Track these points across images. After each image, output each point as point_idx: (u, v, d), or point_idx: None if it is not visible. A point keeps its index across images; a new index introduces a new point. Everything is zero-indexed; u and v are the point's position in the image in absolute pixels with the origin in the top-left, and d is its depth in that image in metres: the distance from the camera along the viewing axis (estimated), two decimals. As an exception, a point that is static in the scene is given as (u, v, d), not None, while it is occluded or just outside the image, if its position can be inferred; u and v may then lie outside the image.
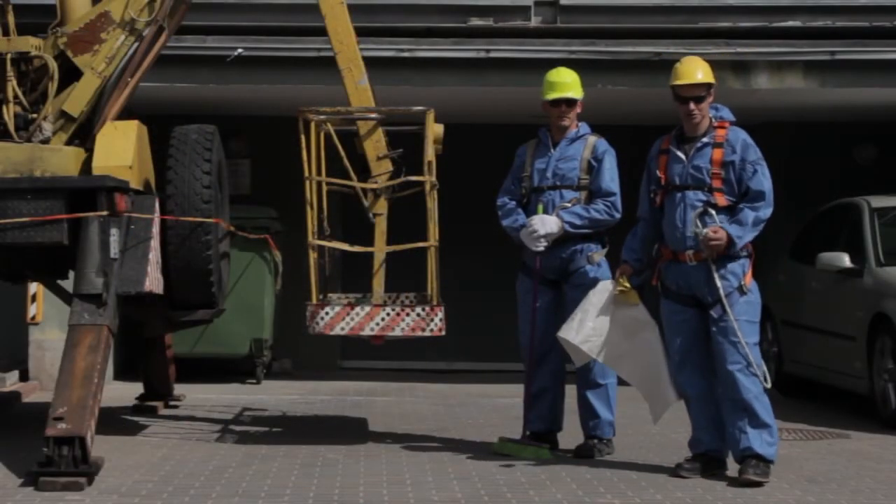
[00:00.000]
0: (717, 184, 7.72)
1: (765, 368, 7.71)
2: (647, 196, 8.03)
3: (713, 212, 7.67)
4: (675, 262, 7.85)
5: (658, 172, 7.92)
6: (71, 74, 9.04)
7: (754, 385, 7.62)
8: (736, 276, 7.69)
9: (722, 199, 7.71)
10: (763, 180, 7.71)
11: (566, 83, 8.70)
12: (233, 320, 12.08)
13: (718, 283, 7.63)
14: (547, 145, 8.75)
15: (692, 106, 7.77)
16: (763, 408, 7.65)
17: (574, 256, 8.60)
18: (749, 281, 7.73)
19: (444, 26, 12.34)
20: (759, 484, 7.50)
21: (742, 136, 7.81)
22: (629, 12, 12.43)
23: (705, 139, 7.81)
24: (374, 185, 9.02)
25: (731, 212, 7.71)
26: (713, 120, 7.87)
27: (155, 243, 8.43)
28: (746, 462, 7.63)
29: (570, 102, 8.70)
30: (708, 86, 7.82)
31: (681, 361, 7.86)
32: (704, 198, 7.71)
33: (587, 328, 8.03)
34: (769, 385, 7.67)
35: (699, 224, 7.65)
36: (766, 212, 7.70)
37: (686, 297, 7.84)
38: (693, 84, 7.79)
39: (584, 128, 8.81)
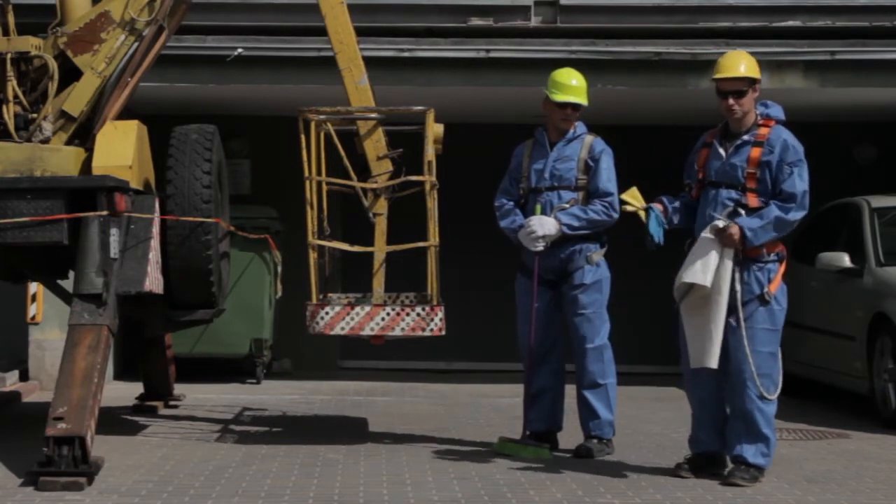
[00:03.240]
0: (750, 184, 7.55)
1: (778, 379, 7.63)
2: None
3: (743, 212, 7.48)
4: None
5: (696, 166, 7.80)
6: (71, 74, 9.03)
7: (758, 395, 7.56)
8: (759, 283, 7.55)
9: (754, 200, 7.52)
10: (797, 182, 7.50)
11: (576, 87, 8.66)
12: (233, 320, 12.08)
13: (738, 289, 7.47)
14: (544, 146, 8.74)
15: (731, 101, 7.60)
16: (763, 418, 7.58)
17: (573, 257, 8.59)
18: (775, 288, 7.56)
19: (444, 26, 12.33)
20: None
21: (784, 135, 7.62)
22: (629, 12, 12.42)
23: (746, 137, 7.64)
24: (374, 185, 9.01)
25: None
26: (759, 117, 7.72)
27: (155, 243, 8.42)
28: (737, 466, 7.62)
29: (577, 107, 8.69)
30: (751, 80, 7.62)
31: None
32: (737, 196, 7.55)
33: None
34: (771, 398, 7.58)
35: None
36: (796, 215, 7.48)
37: None
38: (733, 78, 7.60)
39: (580, 127, 8.80)
